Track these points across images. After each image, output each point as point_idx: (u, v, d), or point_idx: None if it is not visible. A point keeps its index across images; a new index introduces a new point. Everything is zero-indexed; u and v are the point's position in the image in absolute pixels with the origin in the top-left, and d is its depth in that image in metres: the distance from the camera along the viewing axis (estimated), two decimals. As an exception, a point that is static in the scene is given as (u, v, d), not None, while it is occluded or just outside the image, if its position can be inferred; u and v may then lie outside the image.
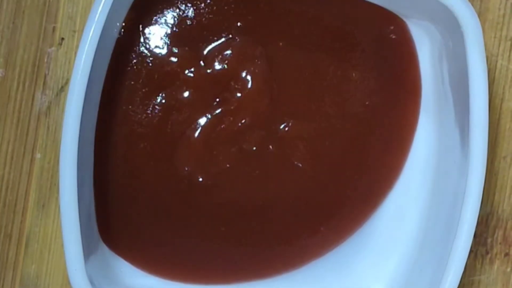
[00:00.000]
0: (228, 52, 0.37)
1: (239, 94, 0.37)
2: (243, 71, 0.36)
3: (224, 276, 0.38)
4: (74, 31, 0.39)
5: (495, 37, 0.39)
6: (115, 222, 0.37)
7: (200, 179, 0.37)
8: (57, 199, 0.39)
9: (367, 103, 0.38)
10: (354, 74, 0.37)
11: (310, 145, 0.37)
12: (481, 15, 0.38)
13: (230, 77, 0.36)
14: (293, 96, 0.37)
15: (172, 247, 0.38)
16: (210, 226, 0.38)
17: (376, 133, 0.38)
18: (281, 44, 0.37)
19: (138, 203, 0.37)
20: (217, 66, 0.37)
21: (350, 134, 0.38)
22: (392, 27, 0.38)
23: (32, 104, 0.39)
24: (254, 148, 0.37)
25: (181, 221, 0.38)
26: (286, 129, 0.37)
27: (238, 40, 0.37)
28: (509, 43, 0.39)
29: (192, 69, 0.36)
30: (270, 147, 0.37)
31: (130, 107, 0.37)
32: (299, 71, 0.37)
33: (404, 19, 0.38)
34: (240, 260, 0.38)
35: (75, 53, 0.37)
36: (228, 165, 0.37)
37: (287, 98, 0.37)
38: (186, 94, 0.36)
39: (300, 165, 0.37)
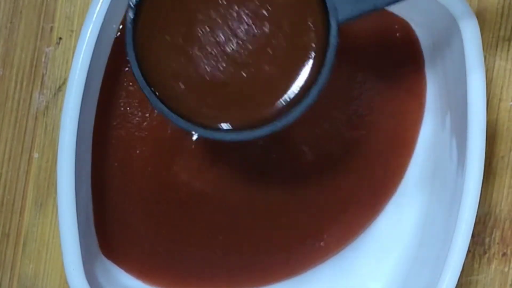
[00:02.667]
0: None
1: None
2: None
3: (222, 285, 0.38)
4: (72, 31, 0.39)
5: (492, 37, 0.39)
6: (112, 230, 0.37)
7: (199, 187, 0.37)
8: (54, 198, 0.39)
9: (372, 105, 0.37)
10: (359, 76, 0.37)
11: (313, 150, 0.37)
12: (479, 15, 0.38)
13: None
14: None
15: (169, 256, 0.38)
16: (209, 234, 0.37)
17: (381, 135, 0.38)
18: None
19: (135, 210, 0.37)
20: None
21: (354, 137, 0.37)
22: (396, 26, 0.37)
23: (30, 103, 0.39)
24: (256, 154, 0.37)
25: (179, 229, 0.37)
26: (289, 133, 0.37)
27: None
28: (506, 43, 0.39)
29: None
30: (272, 153, 0.37)
31: (128, 109, 0.36)
32: None
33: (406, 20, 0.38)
34: (238, 268, 0.38)
35: (73, 53, 0.37)
36: (228, 172, 0.37)
37: None
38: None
39: (303, 171, 0.37)
